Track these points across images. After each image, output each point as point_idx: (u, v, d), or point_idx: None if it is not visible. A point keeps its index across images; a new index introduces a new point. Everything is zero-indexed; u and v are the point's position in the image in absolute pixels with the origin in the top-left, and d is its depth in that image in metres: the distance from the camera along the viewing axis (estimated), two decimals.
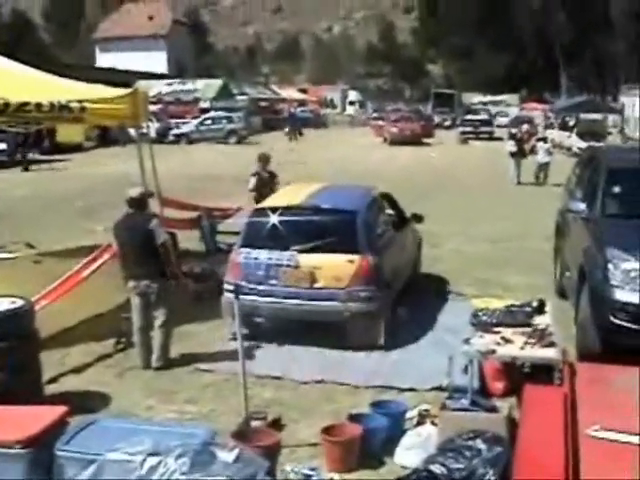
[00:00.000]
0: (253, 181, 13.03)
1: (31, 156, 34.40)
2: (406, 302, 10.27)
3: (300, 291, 8.98)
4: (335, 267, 8.98)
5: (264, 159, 13.44)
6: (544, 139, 29.61)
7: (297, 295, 8.99)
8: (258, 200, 11.90)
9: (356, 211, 9.45)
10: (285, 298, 9.01)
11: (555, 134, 42.37)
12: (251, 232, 9.55)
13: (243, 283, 8.71)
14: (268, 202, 10.20)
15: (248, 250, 9.29)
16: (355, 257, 8.98)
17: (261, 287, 9.05)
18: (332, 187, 11.11)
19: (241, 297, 7.48)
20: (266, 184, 12.99)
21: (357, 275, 8.94)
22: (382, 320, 9.05)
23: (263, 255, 9.16)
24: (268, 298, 9.03)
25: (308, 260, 8.99)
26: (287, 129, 52.90)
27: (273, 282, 9.06)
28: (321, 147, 43.49)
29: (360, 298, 8.92)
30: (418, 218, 11.69)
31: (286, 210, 9.50)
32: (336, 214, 9.45)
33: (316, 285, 8.98)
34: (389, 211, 11.33)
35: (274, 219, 9.40)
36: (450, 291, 11.64)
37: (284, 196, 10.48)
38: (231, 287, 8.45)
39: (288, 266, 9.02)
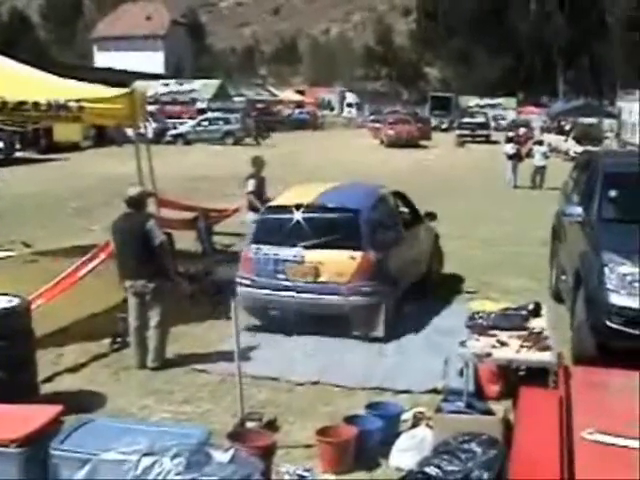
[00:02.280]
0: (252, 183, 12.96)
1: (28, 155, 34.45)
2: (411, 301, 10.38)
3: (305, 285, 9.38)
4: (338, 263, 9.36)
5: (259, 162, 13.37)
6: (540, 142, 29.67)
7: (302, 289, 9.38)
8: (256, 202, 12.36)
9: (360, 210, 9.81)
10: (292, 291, 9.42)
11: (552, 138, 42.49)
12: (262, 229, 10.05)
13: (254, 277, 9.56)
14: (278, 201, 10.59)
15: (258, 246, 9.72)
16: (357, 254, 9.36)
17: (270, 281, 9.49)
18: (341, 186, 11.26)
19: (252, 290, 9.42)
20: (262, 186, 13.06)
21: (358, 271, 9.31)
22: (382, 313, 9.33)
23: (272, 251, 9.59)
24: (277, 292, 9.49)
25: (313, 256, 9.41)
26: (254, 133, 50.38)
27: (281, 276, 9.48)
28: (318, 149, 43.49)
29: (361, 292, 9.29)
30: (432, 216, 12.00)
31: (295, 208, 9.85)
32: (341, 212, 9.86)
33: (320, 280, 9.38)
34: (404, 209, 11.70)
35: (283, 217, 9.86)
36: (447, 293, 11.65)
37: (294, 195, 10.72)
38: (243, 281, 9.58)
39: (294, 262, 9.45)
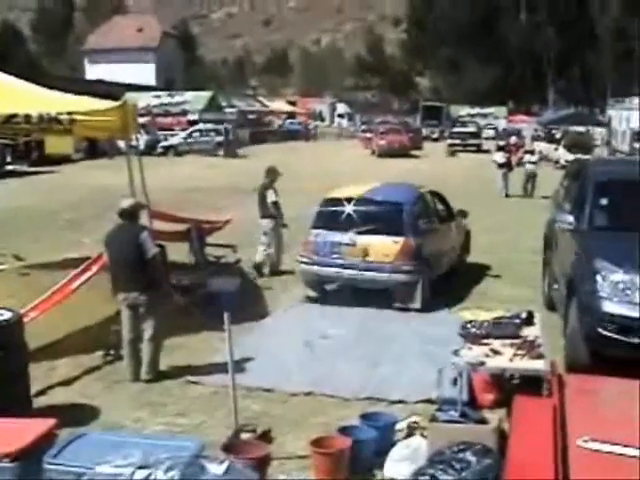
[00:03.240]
0: (272, 193, 13.70)
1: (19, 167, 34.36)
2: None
3: (356, 264, 11.31)
4: (383, 246, 11.33)
5: (273, 173, 14.08)
6: (531, 151, 29.76)
7: (354, 266, 11.32)
8: (275, 210, 13.59)
9: (402, 203, 11.84)
10: (345, 269, 11.41)
11: (542, 146, 42.60)
12: (320, 217, 12.07)
13: (314, 257, 11.65)
14: (334, 194, 12.50)
15: (318, 231, 11.80)
16: (399, 239, 11.31)
17: (327, 260, 11.55)
18: (386, 185, 13.48)
19: (312, 267, 11.68)
20: (277, 195, 13.78)
21: (400, 253, 11.24)
22: (419, 289, 11.21)
23: (329, 235, 11.64)
24: (333, 268, 11.53)
25: (363, 240, 11.38)
26: (222, 151, 47.13)
27: (336, 256, 11.50)
28: (310, 160, 43.47)
29: (402, 271, 11.20)
30: (463, 213, 13.95)
31: (348, 201, 11.90)
32: (387, 205, 11.90)
33: (368, 259, 11.31)
34: (440, 206, 13.44)
35: (338, 208, 11.85)
36: (440, 302, 11.68)
37: (347, 191, 12.61)
38: (304, 260, 11.79)
39: (347, 244, 11.43)
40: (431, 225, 12.35)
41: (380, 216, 11.63)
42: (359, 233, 11.44)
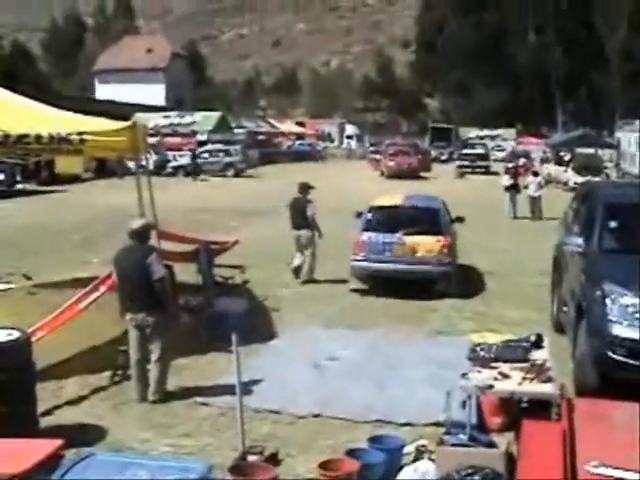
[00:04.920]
0: (312, 206, 14.87)
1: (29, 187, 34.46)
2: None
3: (406, 259, 13.57)
4: (428, 244, 13.64)
5: (306, 187, 15.17)
6: (535, 173, 29.75)
7: (404, 261, 13.58)
8: (314, 223, 14.78)
9: (439, 209, 14.67)
10: (396, 263, 13.56)
11: (551, 169, 42.57)
12: (369, 221, 14.24)
13: (367, 255, 13.69)
14: (377, 203, 14.94)
15: (369, 233, 13.91)
16: (440, 237, 13.71)
17: (380, 257, 13.66)
18: (415, 195, 16.74)
19: (365, 264, 13.69)
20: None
21: (442, 249, 13.61)
22: (454, 277, 13.62)
23: (380, 236, 13.81)
24: (385, 264, 13.62)
25: (411, 239, 13.68)
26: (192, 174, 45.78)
27: (387, 254, 13.67)
28: (319, 181, 43.20)
29: (444, 263, 13.55)
30: (460, 219, 15.61)
31: (393, 207, 14.73)
32: (427, 210, 14.62)
33: (416, 255, 13.61)
34: None
35: (385, 214, 14.45)
36: (448, 325, 11.64)
37: (386, 200, 15.33)
38: (357, 257, 13.77)
39: (397, 243, 13.67)
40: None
41: (422, 219, 14.13)
42: (406, 234, 13.68)
